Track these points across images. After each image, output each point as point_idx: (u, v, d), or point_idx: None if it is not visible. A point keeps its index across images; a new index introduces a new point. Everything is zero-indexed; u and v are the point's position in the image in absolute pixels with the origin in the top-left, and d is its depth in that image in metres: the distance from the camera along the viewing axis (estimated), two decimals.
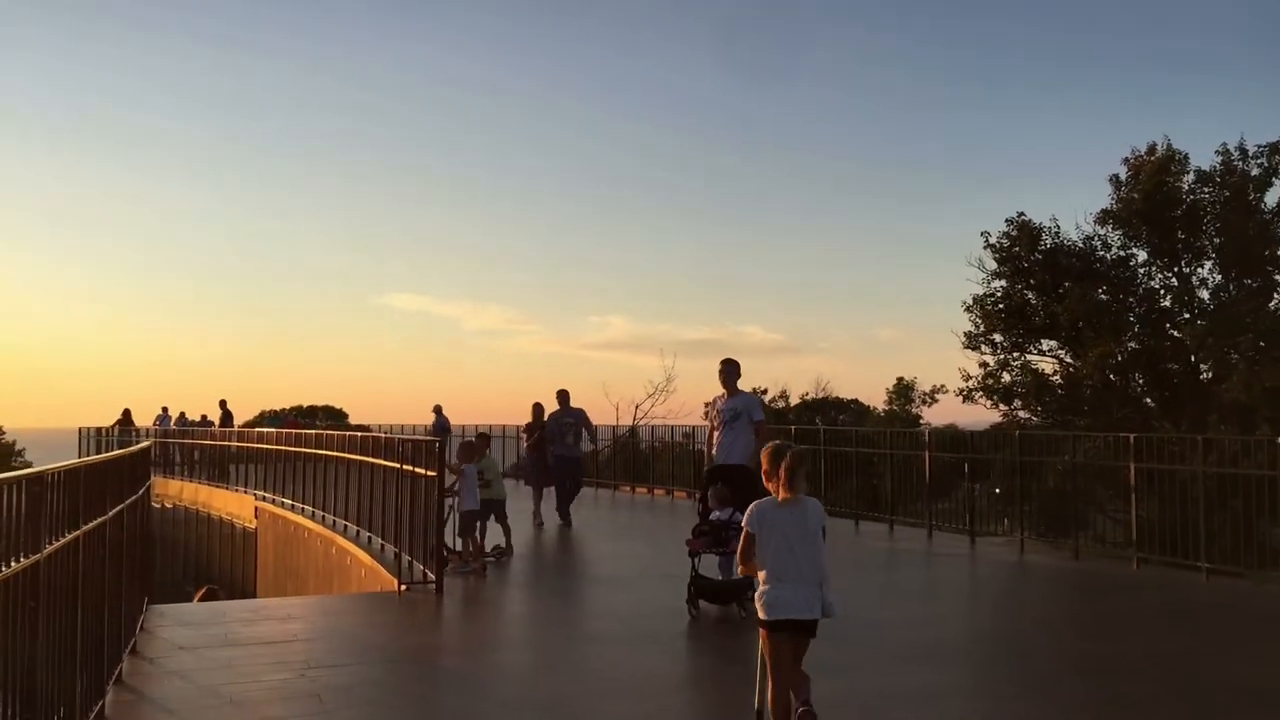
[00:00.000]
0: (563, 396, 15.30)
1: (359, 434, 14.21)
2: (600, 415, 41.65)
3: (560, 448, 15.05)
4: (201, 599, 15.86)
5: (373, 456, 12.21)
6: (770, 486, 4.64)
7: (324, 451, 15.30)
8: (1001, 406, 20.65)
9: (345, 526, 13.91)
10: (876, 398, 40.30)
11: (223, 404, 28.93)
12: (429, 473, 9.53)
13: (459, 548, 10.77)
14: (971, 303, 21.54)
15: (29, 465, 64.86)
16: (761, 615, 4.55)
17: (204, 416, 29.95)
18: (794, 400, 37.85)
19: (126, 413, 31.29)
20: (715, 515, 8.31)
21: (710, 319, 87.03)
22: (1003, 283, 21.57)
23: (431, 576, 9.45)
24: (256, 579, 19.15)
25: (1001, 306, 21.22)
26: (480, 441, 12.32)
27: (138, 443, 29.81)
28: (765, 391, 39.88)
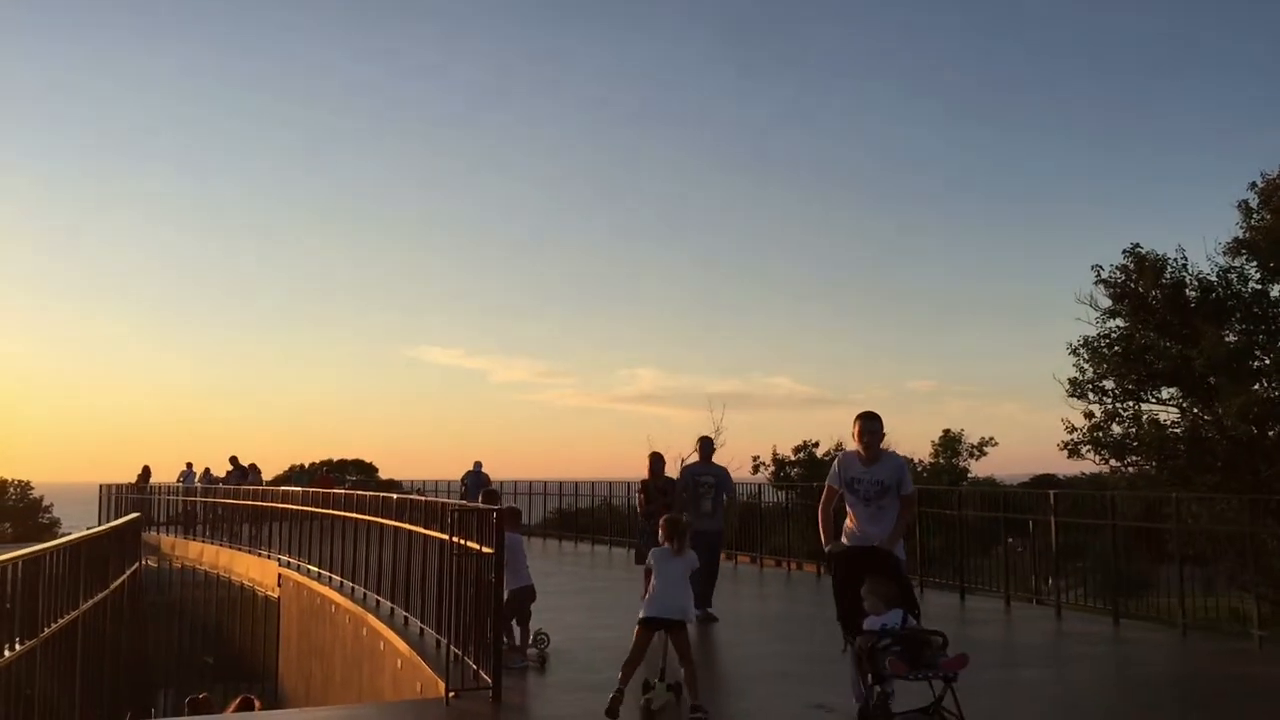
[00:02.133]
0: (705, 446, 11.74)
1: (394, 496, 12.39)
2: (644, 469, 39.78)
3: (697, 518, 10.64)
4: (237, 709, 13.88)
5: (412, 524, 10.41)
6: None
7: (355, 515, 13.54)
8: (1112, 462, 18.44)
9: (378, 602, 12.11)
10: (909, 449, 38.21)
11: (234, 460, 27.20)
12: (485, 549, 7.70)
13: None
14: (1080, 345, 19.37)
15: (57, 520, 63.32)
16: None
17: (207, 470, 28.33)
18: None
19: (146, 470, 29.74)
20: (884, 621, 6.22)
21: (739, 371, 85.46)
22: (1119, 322, 19.43)
23: (487, 678, 7.58)
24: (279, 655, 17.33)
25: (1118, 349, 19.04)
26: (513, 513, 10.22)
27: (152, 501, 28.42)
28: (817, 444, 37.88)
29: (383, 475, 50.08)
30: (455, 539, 8.40)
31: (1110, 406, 18.69)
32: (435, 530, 9.38)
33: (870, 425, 6.97)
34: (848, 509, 7.06)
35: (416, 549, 10.23)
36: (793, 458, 36.35)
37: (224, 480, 26.56)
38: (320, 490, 17.04)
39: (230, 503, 22.77)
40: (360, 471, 52.29)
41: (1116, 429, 18.57)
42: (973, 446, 41.33)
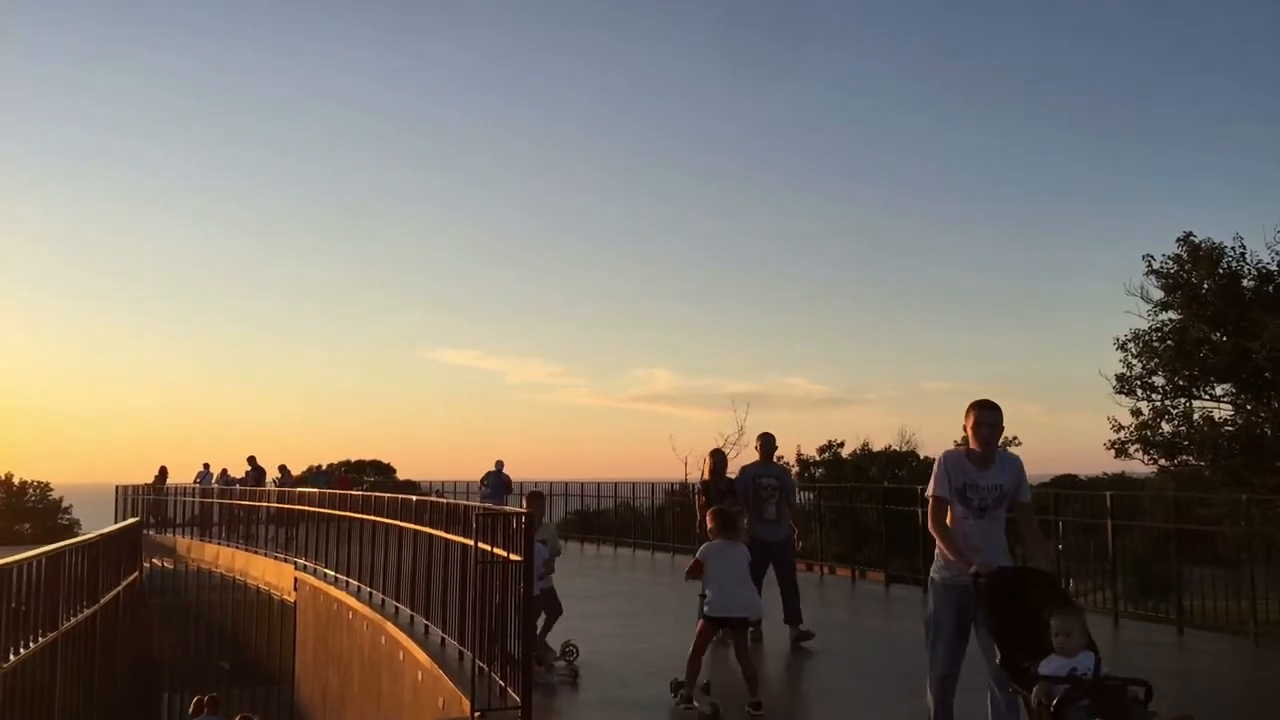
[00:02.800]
0: (767, 444, 10.48)
1: (414, 497, 11.86)
2: (667, 469, 38.99)
3: (760, 525, 9.86)
4: None
5: (434, 528, 9.87)
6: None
7: (373, 517, 13.02)
8: (1161, 461, 17.63)
9: (397, 609, 11.59)
10: (933, 449, 37.54)
11: (252, 460, 26.78)
12: (513, 556, 7.14)
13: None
14: (1128, 339, 18.55)
15: (76, 521, 63.28)
16: None
17: (224, 471, 27.96)
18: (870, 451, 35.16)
19: (163, 471, 29.39)
20: (1073, 665, 4.68)
21: (754, 371, 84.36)
22: (1171, 314, 18.43)
23: (515, 696, 7.02)
24: (295, 660, 16.84)
25: (1170, 343, 17.98)
26: (536, 500, 9.28)
27: (167, 502, 28.00)
28: (842, 444, 37.23)
29: (400, 476, 49.83)
30: (480, 544, 7.86)
31: (1160, 404, 17.87)
32: (458, 534, 8.84)
33: (990, 416, 5.63)
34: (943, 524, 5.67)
35: (438, 555, 9.70)
36: (817, 458, 35.79)
37: (241, 481, 26.19)
38: (337, 492, 16.56)
39: (246, 504, 22.34)
40: (378, 472, 51.96)
41: (1166, 427, 17.74)
42: None
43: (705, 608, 7.28)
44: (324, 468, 32.90)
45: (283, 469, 26.33)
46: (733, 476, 10.45)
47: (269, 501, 20.78)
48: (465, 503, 10.38)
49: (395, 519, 11.74)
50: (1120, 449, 18.06)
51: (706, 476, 10.39)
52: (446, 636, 9.26)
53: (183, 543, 25.23)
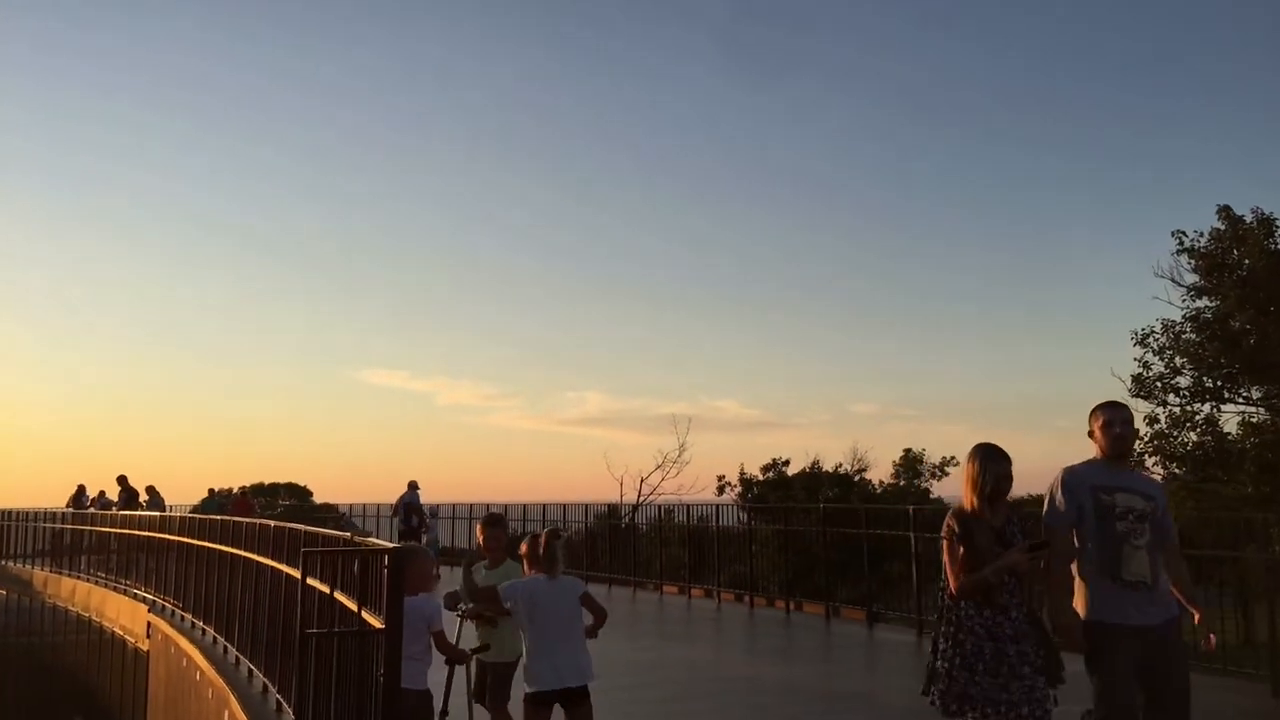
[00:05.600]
0: (1118, 430, 4.63)
1: (260, 521, 9.10)
2: (603, 490, 36.53)
3: (1122, 589, 4.12)
4: None
5: (275, 559, 7.10)
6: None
7: (223, 548, 10.19)
8: (1175, 472, 15.23)
9: (251, 673, 8.80)
10: (870, 472, 35.74)
11: (122, 480, 23.43)
12: (375, 621, 4.45)
13: None
14: (1147, 333, 16.09)
15: None
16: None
17: (102, 493, 24.49)
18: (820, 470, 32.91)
19: (80, 489, 25.31)
20: None
21: (686, 394, 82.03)
22: (1207, 301, 15.84)
23: None
24: None
25: (1207, 334, 15.23)
26: (495, 527, 6.81)
27: (14, 529, 24.41)
28: (787, 462, 34.88)
29: (318, 499, 46.61)
30: (320, 588, 5.16)
31: (1183, 408, 15.53)
32: (312, 578, 6.11)
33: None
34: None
35: (296, 600, 6.94)
36: (760, 477, 33.40)
37: (123, 505, 22.86)
38: (200, 517, 13.59)
39: (90, 529, 19.17)
40: (294, 495, 48.48)
41: (1193, 436, 15.39)
42: (934, 467, 39.07)
43: (525, 681, 5.19)
44: (215, 492, 29.34)
45: (151, 490, 23.03)
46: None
47: (110, 527, 17.62)
48: (297, 526, 7.55)
49: (242, 549, 8.93)
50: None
51: (960, 514, 5.46)
52: None
53: (39, 575, 21.78)
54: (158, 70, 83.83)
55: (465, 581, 5.72)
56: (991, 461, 4.46)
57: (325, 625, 5.34)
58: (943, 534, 4.51)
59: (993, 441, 4.48)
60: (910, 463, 39.05)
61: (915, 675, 10.47)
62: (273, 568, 8.12)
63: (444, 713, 6.40)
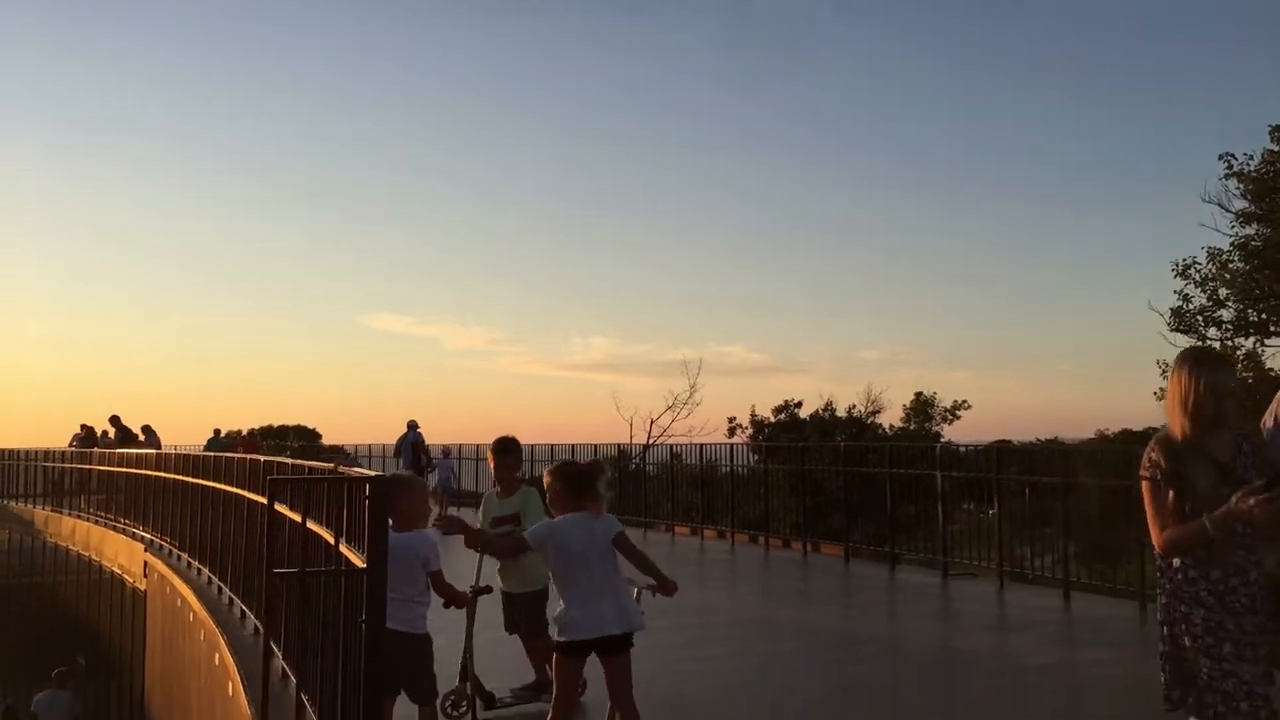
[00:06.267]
0: None
1: (239, 455, 8.62)
2: (612, 433, 36.03)
3: None
4: None
5: (252, 491, 6.57)
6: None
7: (216, 484, 9.70)
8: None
9: (244, 615, 8.37)
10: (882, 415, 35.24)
11: (115, 420, 23.02)
12: (357, 560, 3.90)
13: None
14: (1189, 264, 15.11)
15: None
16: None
17: (104, 434, 24.08)
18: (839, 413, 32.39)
19: (87, 431, 24.79)
20: None
21: (693, 339, 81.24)
22: (1257, 228, 14.45)
23: None
24: (145, 665, 13.47)
25: (1257, 261, 14.01)
26: (507, 452, 6.48)
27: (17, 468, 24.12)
28: (799, 404, 34.34)
29: (326, 441, 46.75)
30: (292, 517, 4.62)
31: (1223, 344, 14.65)
32: (288, 509, 5.57)
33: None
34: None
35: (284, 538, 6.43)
36: (772, 419, 32.91)
37: (118, 445, 22.49)
38: (186, 455, 13.12)
39: (87, 468, 18.81)
40: (303, 437, 48.58)
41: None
42: (945, 410, 38.60)
43: (558, 629, 4.57)
44: (220, 432, 28.98)
45: (147, 429, 22.65)
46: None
47: (108, 465, 17.23)
48: (271, 458, 7.04)
49: (233, 485, 8.43)
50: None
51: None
52: (290, 673, 6.04)
53: (40, 515, 21.48)
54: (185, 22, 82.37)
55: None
56: (1209, 370, 3.35)
57: (312, 565, 4.81)
58: (1142, 471, 3.45)
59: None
60: (921, 406, 38.49)
61: (940, 619, 10.05)
62: (264, 505, 7.62)
63: (465, 665, 5.97)
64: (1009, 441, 10.84)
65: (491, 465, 6.31)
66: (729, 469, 17.23)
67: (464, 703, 5.85)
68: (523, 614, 6.12)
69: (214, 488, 10.34)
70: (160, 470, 13.65)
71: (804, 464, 15.31)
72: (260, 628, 7.45)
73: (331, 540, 4.05)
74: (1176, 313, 15.36)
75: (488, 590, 5.68)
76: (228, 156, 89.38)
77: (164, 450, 18.44)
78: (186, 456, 12.27)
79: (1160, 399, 16.29)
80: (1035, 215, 79.13)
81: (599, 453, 21.15)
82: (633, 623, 4.56)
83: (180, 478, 12.36)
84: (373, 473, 3.75)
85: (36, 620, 20.18)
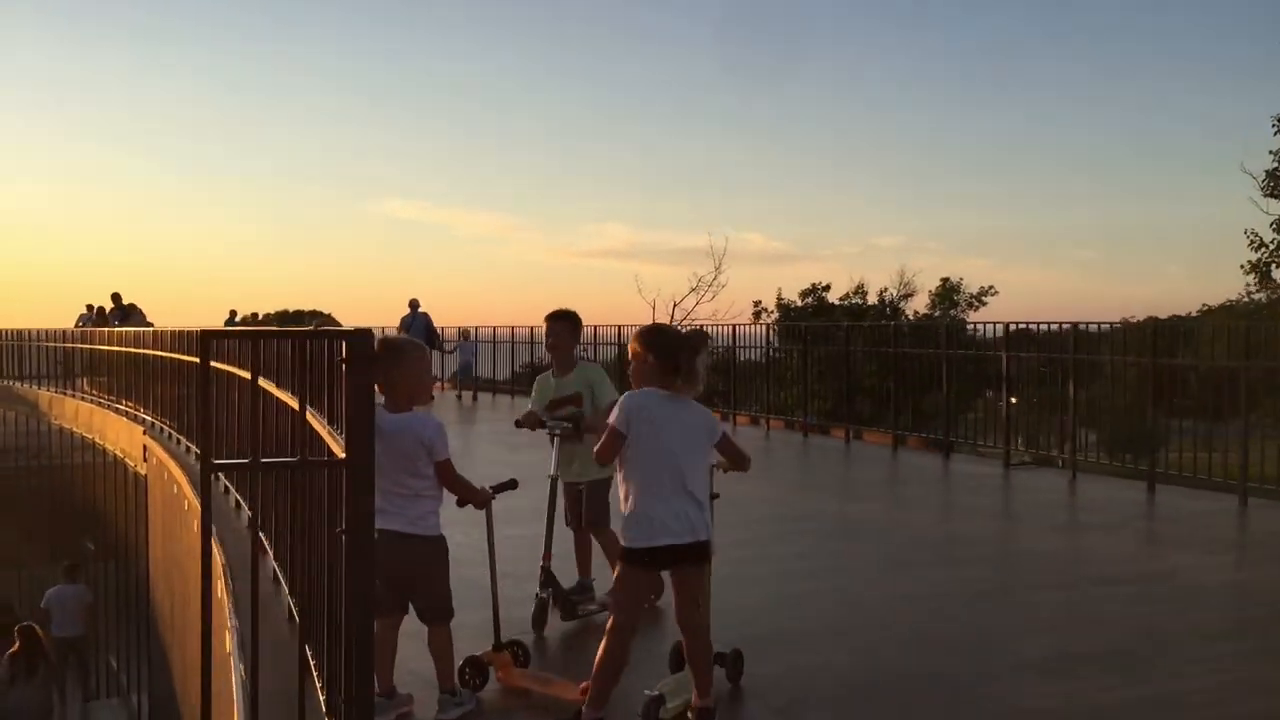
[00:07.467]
0: None
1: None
2: (633, 317, 34.86)
3: None
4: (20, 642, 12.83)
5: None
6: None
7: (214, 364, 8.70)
8: None
9: (239, 506, 7.55)
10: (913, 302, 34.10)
11: (116, 298, 22.23)
12: (336, 448, 2.85)
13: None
14: None
15: None
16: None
17: (100, 309, 23.30)
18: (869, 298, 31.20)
19: (116, 297, 23.57)
20: None
21: (711, 226, 79.11)
22: None
23: None
24: (149, 552, 12.80)
25: None
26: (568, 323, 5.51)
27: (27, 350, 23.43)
28: (828, 287, 33.03)
29: (344, 325, 46.30)
30: (276, 393, 3.63)
31: None
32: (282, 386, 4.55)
33: None
34: None
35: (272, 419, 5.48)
36: (799, 303, 31.77)
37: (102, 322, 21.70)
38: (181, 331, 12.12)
39: (87, 348, 17.99)
40: (318, 321, 48.12)
41: None
42: (971, 296, 37.45)
43: (628, 534, 3.63)
44: (236, 316, 28.13)
45: (132, 307, 21.83)
46: None
47: (107, 344, 16.33)
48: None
49: (225, 363, 7.41)
50: (1262, 272, 13.65)
51: None
52: (282, 578, 5.17)
53: (45, 396, 20.77)
54: None
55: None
56: None
57: (295, 452, 3.79)
58: None
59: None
60: (947, 293, 37.26)
61: (1024, 515, 9.03)
62: (265, 389, 6.62)
63: (545, 569, 5.24)
64: (1078, 324, 9.72)
65: (547, 339, 5.49)
66: (764, 351, 16.19)
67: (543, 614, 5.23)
68: (590, 500, 5.39)
69: (213, 368, 9.38)
70: (156, 349, 12.73)
71: (848, 345, 14.22)
72: (253, 522, 6.57)
73: (310, 423, 3.00)
74: (1272, 175, 13.87)
75: (513, 485, 4.68)
76: (240, 36, 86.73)
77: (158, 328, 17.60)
78: (180, 333, 11.28)
79: (1249, 272, 15.11)
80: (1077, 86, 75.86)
81: (624, 334, 20.11)
82: (710, 530, 3.61)
83: (175, 355, 11.44)
84: (351, 328, 2.67)
85: (44, 502, 19.71)
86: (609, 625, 3.69)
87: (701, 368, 3.70)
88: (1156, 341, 8.93)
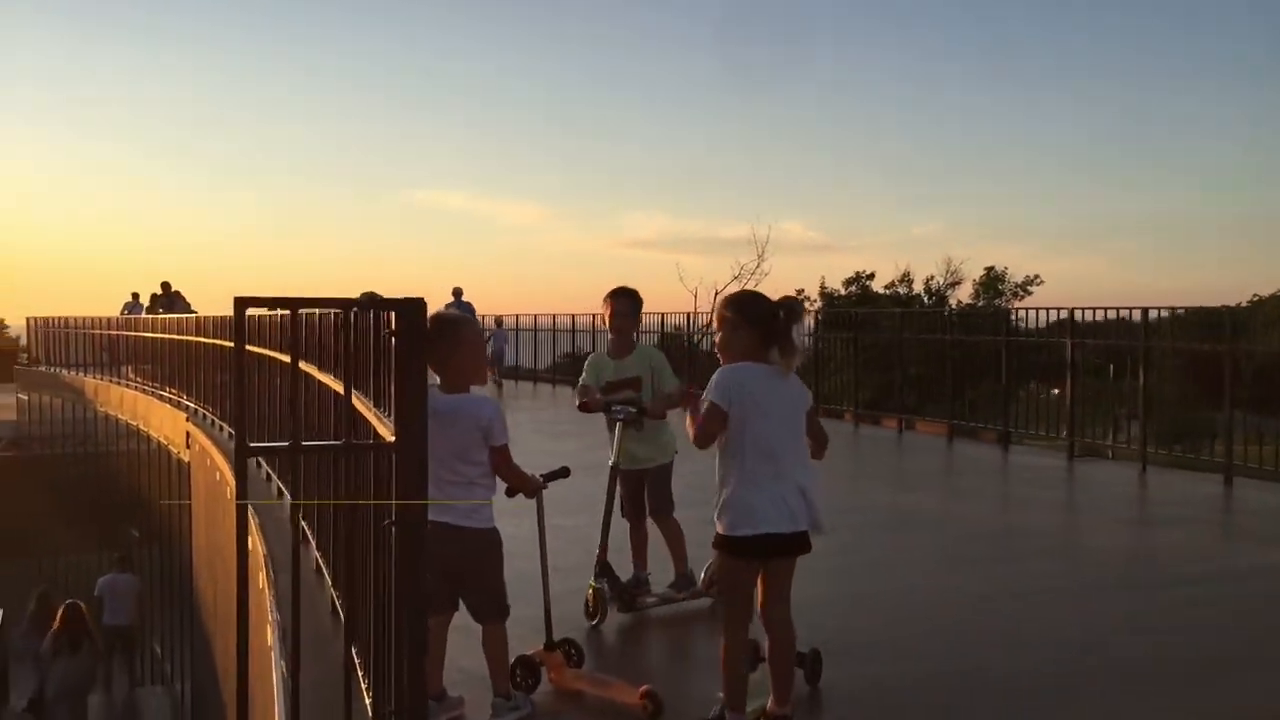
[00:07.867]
0: None
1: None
2: (673, 305, 34.51)
3: None
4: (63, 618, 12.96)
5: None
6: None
7: (255, 349, 8.54)
8: None
9: (281, 494, 7.35)
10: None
11: (165, 287, 22.35)
12: (384, 431, 2.58)
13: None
14: None
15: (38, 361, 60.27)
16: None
17: (135, 297, 23.49)
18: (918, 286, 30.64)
19: (166, 286, 23.67)
20: None
21: (749, 217, 78.56)
22: None
23: None
24: (192, 540, 12.74)
25: None
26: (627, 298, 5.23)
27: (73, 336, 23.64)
28: (872, 276, 32.50)
29: None
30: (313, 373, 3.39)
31: None
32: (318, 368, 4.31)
33: None
34: None
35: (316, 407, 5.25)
36: (843, 291, 31.30)
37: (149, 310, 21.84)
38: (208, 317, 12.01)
39: (131, 335, 18.05)
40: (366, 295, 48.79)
41: None
42: (1017, 285, 36.82)
43: (719, 521, 3.36)
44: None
45: (165, 286, 22.05)
46: None
47: (151, 332, 16.34)
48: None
49: (266, 348, 7.22)
50: None
51: None
52: (328, 573, 4.96)
53: (90, 384, 20.90)
54: None
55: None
56: None
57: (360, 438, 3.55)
58: None
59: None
60: (992, 282, 36.57)
61: (1096, 509, 8.66)
62: (306, 373, 6.43)
63: (601, 560, 5.03)
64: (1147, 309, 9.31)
65: (607, 314, 5.14)
66: (811, 339, 15.82)
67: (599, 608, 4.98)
68: (653, 486, 5.11)
69: (255, 353, 9.23)
70: (199, 335, 12.64)
71: (901, 333, 13.83)
72: (297, 512, 6.37)
73: (356, 404, 2.75)
74: None
75: (565, 473, 4.41)
76: (288, 33, 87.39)
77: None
78: (220, 319, 11.16)
79: None
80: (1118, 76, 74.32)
81: (666, 322, 19.81)
82: (818, 519, 3.34)
83: (216, 342, 11.33)
84: (401, 297, 2.39)
85: (89, 489, 19.84)
86: (724, 620, 3.47)
87: (799, 338, 3.36)
88: (1235, 327, 8.50)
